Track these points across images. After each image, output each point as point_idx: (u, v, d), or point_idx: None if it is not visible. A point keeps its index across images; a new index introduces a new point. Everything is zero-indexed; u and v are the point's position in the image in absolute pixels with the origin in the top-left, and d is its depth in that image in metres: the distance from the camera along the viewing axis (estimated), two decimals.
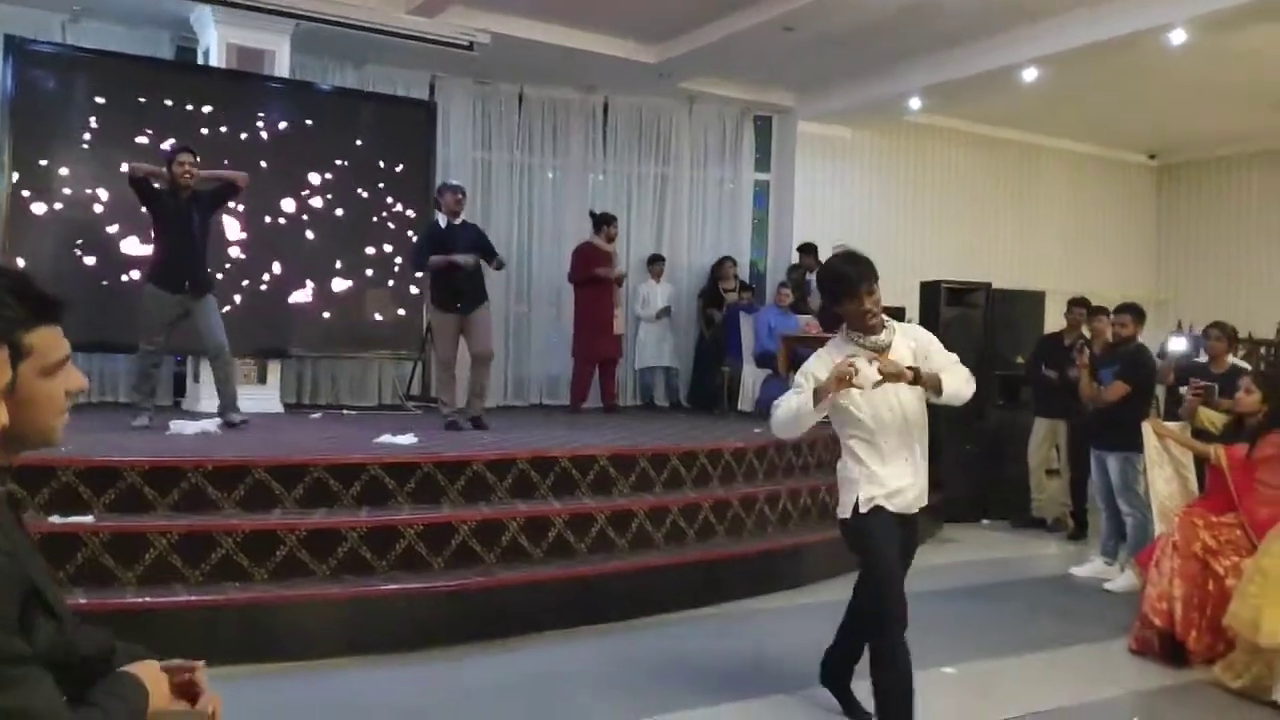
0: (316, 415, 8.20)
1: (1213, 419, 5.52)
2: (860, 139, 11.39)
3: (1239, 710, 4.18)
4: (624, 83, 10.16)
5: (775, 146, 11.35)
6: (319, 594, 4.55)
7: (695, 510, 5.97)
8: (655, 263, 10.47)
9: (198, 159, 6.55)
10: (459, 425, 7.13)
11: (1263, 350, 10.42)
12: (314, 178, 8.55)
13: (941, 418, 8.47)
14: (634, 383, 10.54)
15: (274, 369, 8.38)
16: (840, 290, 3.66)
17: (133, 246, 7.77)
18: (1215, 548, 4.82)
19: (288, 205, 8.43)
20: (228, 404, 6.62)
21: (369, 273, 8.89)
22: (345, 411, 8.73)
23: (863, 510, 3.60)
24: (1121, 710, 4.21)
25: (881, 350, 3.62)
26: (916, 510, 3.73)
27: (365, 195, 8.84)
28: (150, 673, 1.76)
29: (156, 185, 6.47)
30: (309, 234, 8.54)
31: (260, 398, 7.94)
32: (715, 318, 10.33)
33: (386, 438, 6.25)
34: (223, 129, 8.14)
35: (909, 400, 3.69)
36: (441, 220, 7.32)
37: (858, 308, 3.62)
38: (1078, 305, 7.94)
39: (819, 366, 3.64)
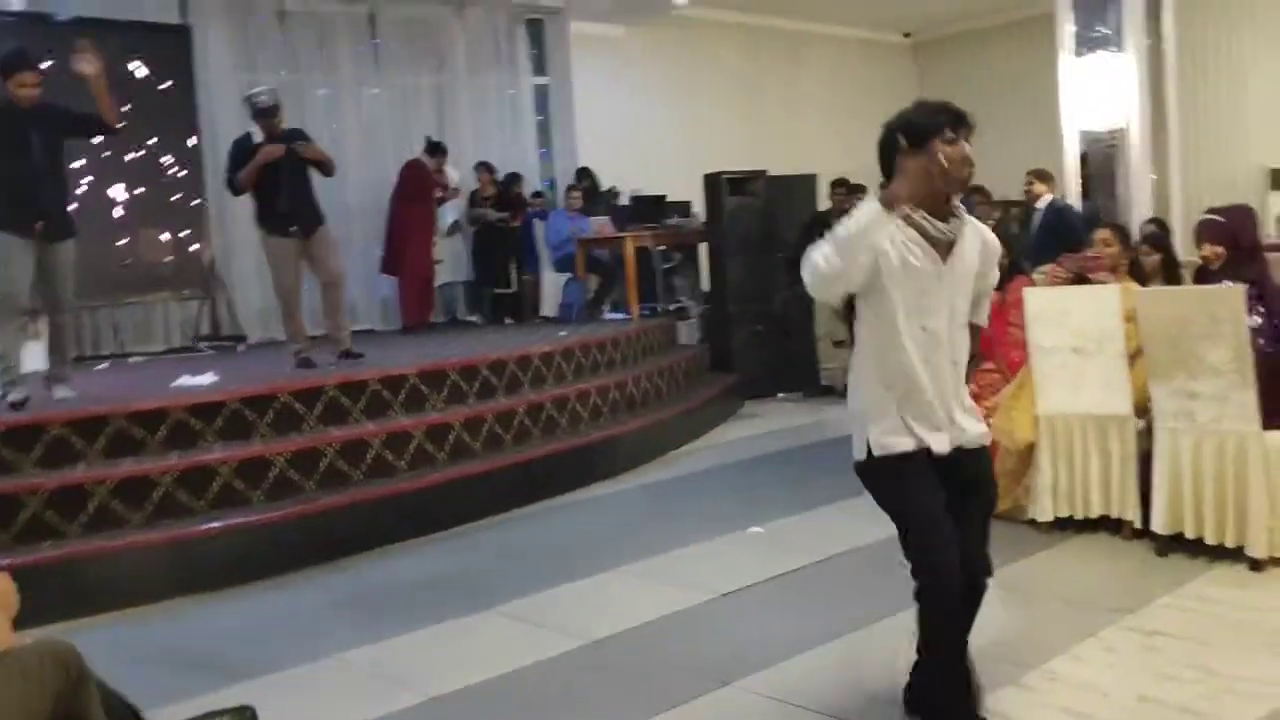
0: (104, 366, 7.85)
1: None
2: (634, 37, 11.53)
3: (1001, 530, 4.70)
4: None
5: (550, 49, 11.34)
6: (137, 541, 4.51)
7: (510, 416, 6.14)
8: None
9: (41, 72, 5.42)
10: (312, 361, 6.46)
11: (1012, 211, 11.35)
12: None
13: (730, 299, 8.97)
14: (436, 299, 10.51)
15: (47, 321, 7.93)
16: (926, 130, 2.64)
17: None
18: (977, 391, 5.35)
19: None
20: (58, 370, 5.75)
21: (140, 212, 8.48)
22: (133, 359, 8.38)
23: (878, 454, 2.72)
24: None
25: (948, 245, 2.66)
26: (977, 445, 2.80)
27: (126, 132, 8.34)
28: None
29: None
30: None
31: (39, 354, 7.51)
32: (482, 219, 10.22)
33: (185, 379, 6.11)
34: None
35: (962, 304, 2.75)
36: (257, 135, 6.56)
37: (955, 152, 2.61)
38: (838, 186, 8.47)
39: (876, 229, 2.57)
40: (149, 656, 3.83)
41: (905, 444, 2.69)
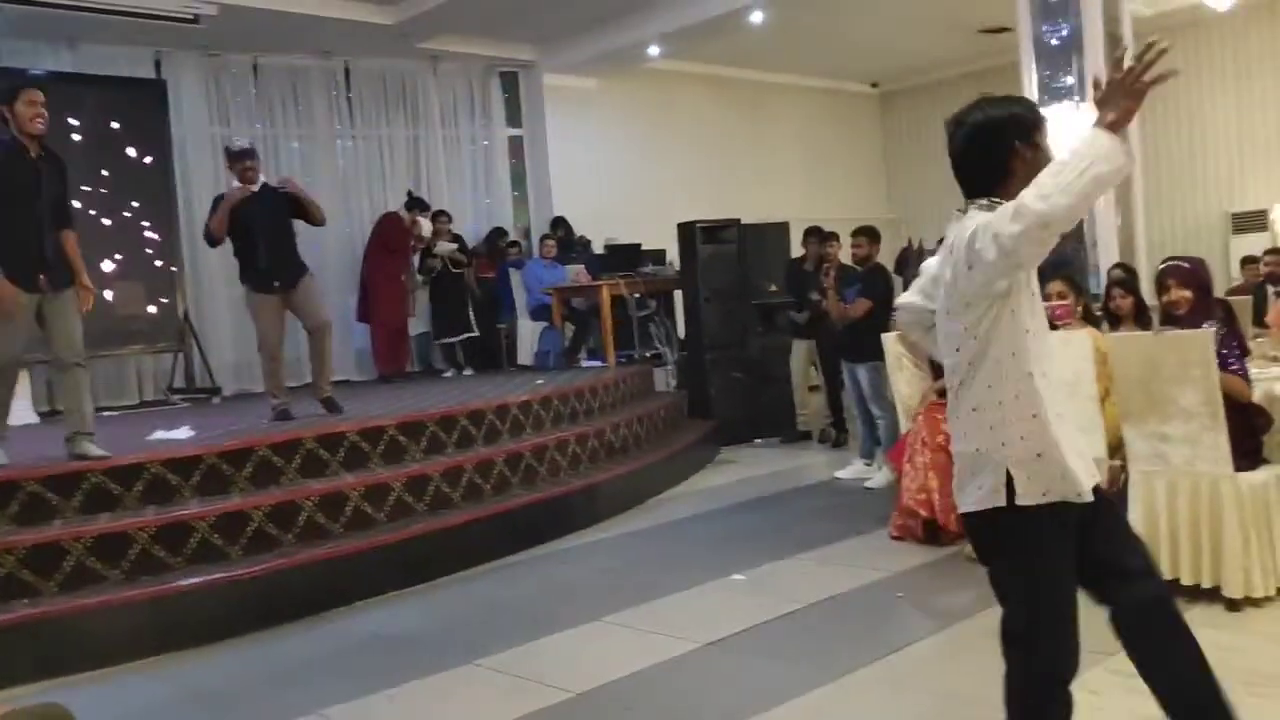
0: None
1: None
2: (606, 89, 11.68)
3: (982, 573, 4.77)
4: (363, 46, 10.01)
5: (524, 101, 11.49)
6: (115, 599, 4.44)
7: (489, 465, 6.13)
8: None
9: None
10: (290, 414, 6.40)
11: None
12: None
13: (706, 346, 9.05)
14: (411, 349, 10.50)
15: (23, 377, 7.86)
16: (1017, 134, 2.32)
17: None
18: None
19: None
20: (78, 428, 5.21)
21: (115, 265, 8.47)
22: (105, 413, 8.31)
23: (1024, 501, 2.30)
24: (886, 588, 4.75)
25: None
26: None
27: (101, 184, 8.39)
28: None
29: None
30: None
31: (13, 409, 7.43)
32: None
33: (161, 434, 6.07)
34: None
35: None
36: (234, 184, 6.48)
37: (1044, 160, 2.28)
38: (811, 235, 8.59)
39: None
40: (129, 718, 3.78)
41: (1056, 490, 2.30)
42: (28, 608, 4.29)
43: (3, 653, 4.08)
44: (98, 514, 4.88)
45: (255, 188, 6.45)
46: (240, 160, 6.46)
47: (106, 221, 8.42)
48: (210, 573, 4.76)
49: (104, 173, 8.42)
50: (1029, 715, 2.37)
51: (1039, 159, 2.28)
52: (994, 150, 2.33)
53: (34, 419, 7.76)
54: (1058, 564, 2.33)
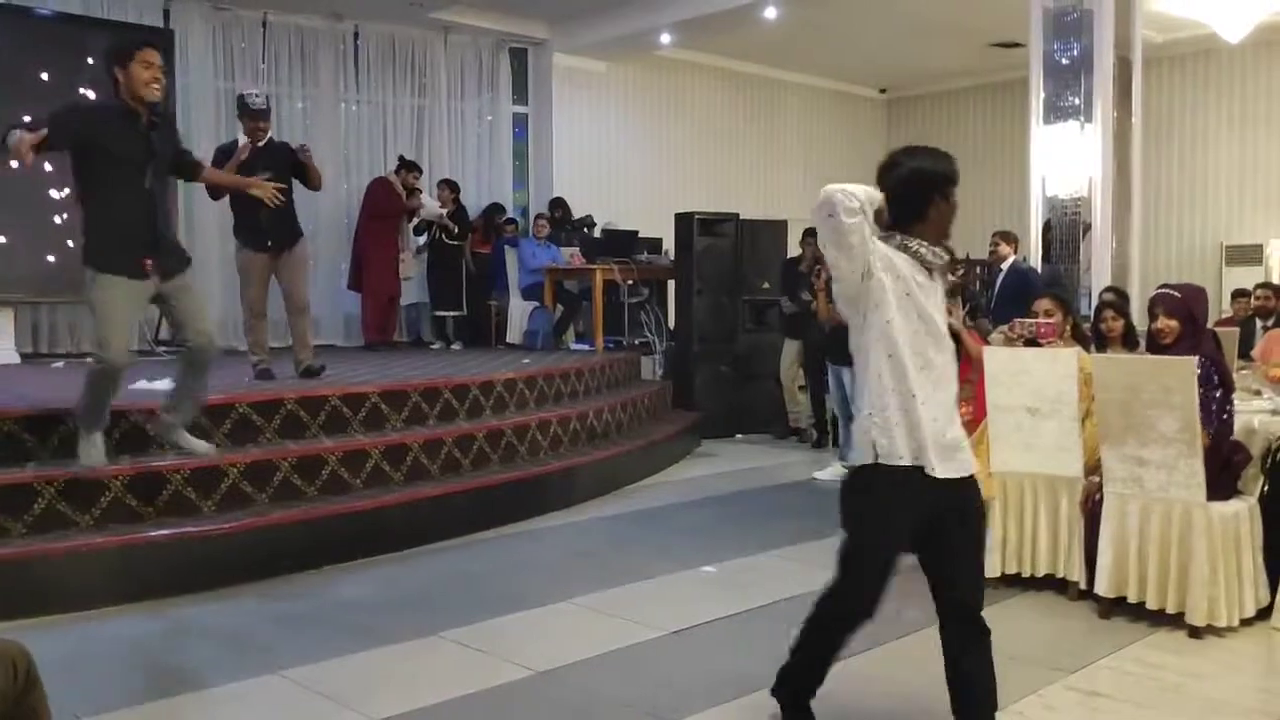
0: (59, 365, 7.75)
1: None
2: (616, 72, 11.65)
3: None
4: (374, 11, 9.97)
5: (532, 79, 11.45)
6: (83, 545, 4.42)
7: (469, 440, 6.13)
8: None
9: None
10: (271, 373, 6.40)
11: (978, 270, 11.55)
12: (39, 113, 7.94)
13: (695, 338, 9.05)
14: (401, 319, 10.47)
15: (6, 316, 7.84)
16: (936, 188, 2.85)
17: None
18: None
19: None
20: (190, 415, 4.92)
21: None
22: (89, 359, 8.26)
23: (879, 459, 2.79)
24: None
25: (939, 268, 2.88)
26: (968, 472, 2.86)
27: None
28: None
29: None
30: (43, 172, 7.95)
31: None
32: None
33: (142, 384, 6.02)
34: None
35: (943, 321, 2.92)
36: (241, 140, 6.45)
37: (949, 211, 2.88)
38: (810, 235, 8.61)
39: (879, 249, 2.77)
40: (88, 663, 3.77)
41: (904, 457, 2.77)
42: None
43: None
44: (71, 459, 4.83)
45: (261, 143, 6.44)
46: (255, 119, 6.45)
47: None
48: (181, 526, 4.75)
49: None
50: (822, 632, 3.04)
51: (947, 211, 2.87)
52: (919, 197, 2.84)
53: (15, 359, 7.73)
54: (893, 529, 2.87)
